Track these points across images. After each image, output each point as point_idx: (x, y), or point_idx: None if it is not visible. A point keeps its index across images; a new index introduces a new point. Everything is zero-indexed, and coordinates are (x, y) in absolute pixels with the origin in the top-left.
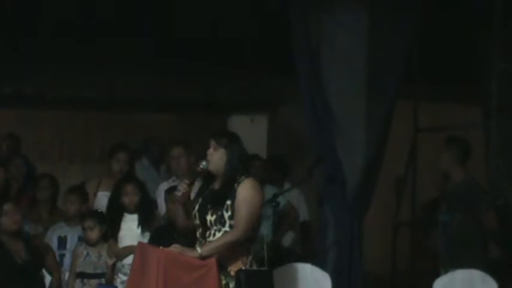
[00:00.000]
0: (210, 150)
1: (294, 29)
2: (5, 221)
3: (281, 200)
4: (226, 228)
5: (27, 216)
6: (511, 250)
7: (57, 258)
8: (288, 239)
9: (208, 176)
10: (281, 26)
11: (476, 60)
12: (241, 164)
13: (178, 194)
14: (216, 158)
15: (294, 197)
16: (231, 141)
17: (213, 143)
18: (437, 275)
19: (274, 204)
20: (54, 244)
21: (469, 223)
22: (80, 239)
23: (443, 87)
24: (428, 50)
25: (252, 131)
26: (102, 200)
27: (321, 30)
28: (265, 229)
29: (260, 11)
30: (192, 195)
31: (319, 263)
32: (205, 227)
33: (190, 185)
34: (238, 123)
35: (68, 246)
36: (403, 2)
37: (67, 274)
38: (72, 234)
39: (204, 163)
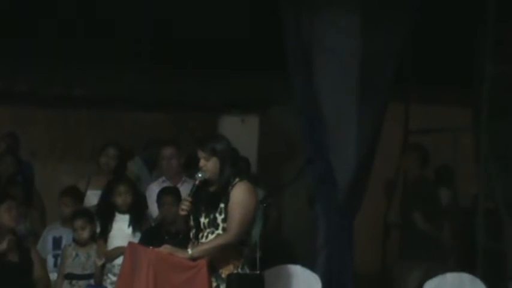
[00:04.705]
0: (202, 162)
1: (285, 30)
2: (6, 216)
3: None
4: (219, 231)
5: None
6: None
7: (52, 259)
8: None
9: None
10: (273, 26)
11: (468, 62)
12: (233, 165)
13: (184, 213)
14: (210, 168)
15: None
16: (219, 146)
17: (201, 154)
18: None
19: (265, 205)
20: (49, 244)
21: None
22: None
23: (434, 89)
24: (420, 52)
25: (243, 132)
26: (91, 199)
27: (313, 31)
28: (256, 231)
29: (252, 11)
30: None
31: (310, 264)
32: (198, 228)
33: (191, 201)
34: (229, 124)
35: (62, 246)
36: (395, 3)
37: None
38: (67, 235)
39: (200, 175)
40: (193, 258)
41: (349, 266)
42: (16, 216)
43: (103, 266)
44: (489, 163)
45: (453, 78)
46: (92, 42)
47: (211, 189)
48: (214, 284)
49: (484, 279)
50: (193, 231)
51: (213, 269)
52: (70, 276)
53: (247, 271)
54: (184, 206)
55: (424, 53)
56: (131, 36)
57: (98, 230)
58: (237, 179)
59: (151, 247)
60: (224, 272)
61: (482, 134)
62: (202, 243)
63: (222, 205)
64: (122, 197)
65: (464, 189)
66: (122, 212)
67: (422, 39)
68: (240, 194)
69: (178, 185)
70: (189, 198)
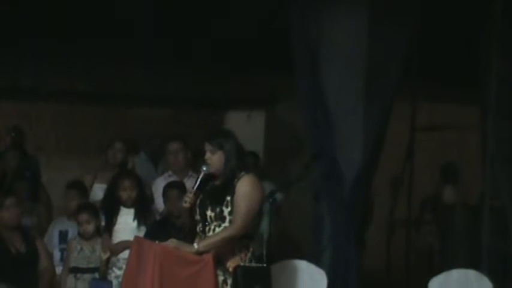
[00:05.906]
0: (208, 155)
1: (293, 28)
2: (5, 215)
3: (277, 195)
4: (226, 223)
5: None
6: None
7: (58, 253)
8: None
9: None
10: (280, 24)
11: (476, 61)
12: (239, 160)
13: (187, 205)
14: (215, 161)
15: None
16: (226, 141)
17: (208, 146)
18: (432, 273)
19: (271, 200)
20: (55, 238)
21: None
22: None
23: (441, 86)
24: (427, 50)
25: (249, 128)
26: (98, 193)
27: (320, 29)
28: (263, 226)
29: (258, 6)
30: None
31: (315, 259)
32: (205, 222)
33: (195, 194)
34: (234, 120)
35: (68, 240)
36: (402, 3)
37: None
38: (73, 229)
39: (204, 168)
40: (200, 253)
41: (355, 262)
42: (17, 214)
43: (108, 259)
44: (495, 162)
45: (459, 75)
46: (97, 38)
47: (217, 182)
48: (221, 278)
49: (489, 277)
50: (200, 225)
51: (219, 262)
52: (75, 270)
53: (254, 264)
54: (188, 198)
55: (430, 50)
56: (138, 33)
57: (103, 223)
58: (242, 173)
59: (157, 241)
60: (231, 266)
61: (489, 132)
62: (208, 237)
63: (228, 198)
64: (127, 192)
65: (470, 187)
66: (127, 206)
67: (429, 36)
68: (245, 187)
69: (185, 180)
70: (193, 191)
